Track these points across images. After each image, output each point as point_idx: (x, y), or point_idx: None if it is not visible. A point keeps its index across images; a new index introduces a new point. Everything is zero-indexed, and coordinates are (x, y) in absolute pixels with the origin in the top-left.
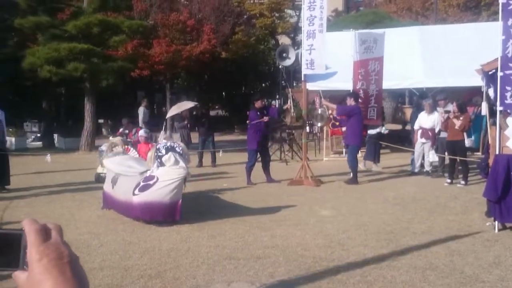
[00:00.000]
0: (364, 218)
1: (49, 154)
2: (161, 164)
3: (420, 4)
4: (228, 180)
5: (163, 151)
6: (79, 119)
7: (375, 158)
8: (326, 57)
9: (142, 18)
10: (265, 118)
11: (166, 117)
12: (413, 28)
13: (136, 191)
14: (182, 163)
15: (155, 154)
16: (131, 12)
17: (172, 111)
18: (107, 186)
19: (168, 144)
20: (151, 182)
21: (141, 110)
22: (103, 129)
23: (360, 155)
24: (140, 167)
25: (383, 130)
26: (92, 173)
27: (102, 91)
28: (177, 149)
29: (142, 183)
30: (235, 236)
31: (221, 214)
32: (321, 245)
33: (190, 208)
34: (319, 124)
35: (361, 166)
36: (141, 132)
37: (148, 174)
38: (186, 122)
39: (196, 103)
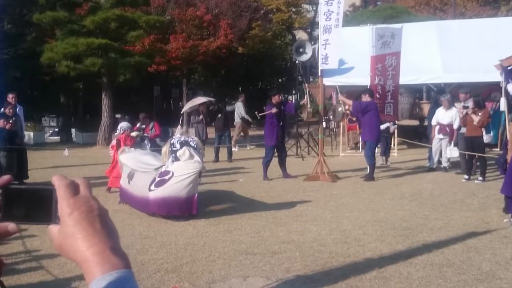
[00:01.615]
0: (380, 214)
1: (66, 149)
2: (176, 158)
3: None
4: (244, 175)
5: (178, 146)
6: (97, 113)
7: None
8: (341, 52)
9: (159, 13)
10: (274, 109)
11: (181, 112)
12: (431, 23)
13: (152, 187)
14: (197, 157)
15: (170, 149)
16: (148, 7)
17: (186, 106)
18: (123, 181)
19: (182, 138)
20: (166, 177)
21: (238, 105)
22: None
23: (376, 151)
24: (155, 163)
25: (392, 126)
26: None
27: (119, 86)
28: (191, 143)
29: (158, 179)
30: (251, 231)
31: (238, 209)
32: (337, 240)
33: (206, 203)
34: (335, 120)
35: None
36: (123, 125)
37: (163, 169)
38: (201, 117)
39: (210, 98)
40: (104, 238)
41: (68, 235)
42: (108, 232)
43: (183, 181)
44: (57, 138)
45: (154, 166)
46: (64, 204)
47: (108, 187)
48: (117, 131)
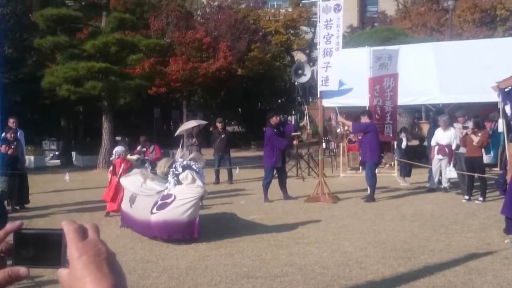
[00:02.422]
0: (382, 236)
1: (67, 173)
2: (178, 182)
3: (435, 20)
4: (245, 197)
5: (180, 169)
6: (97, 136)
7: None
8: (341, 74)
9: (159, 37)
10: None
11: (175, 135)
12: (428, 44)
13: (154, 210)
14: (199, 182)
15: (172, 172)
16: (148, 31)
17: (179, 130)
18: (125, 205)
19: (185, 162)
20: (168, 201)
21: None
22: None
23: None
24: (157, 186)
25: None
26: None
27: (119, 109)
28: (193, 167)
29: (159, 202)
30: (252, 254)
31: (239, 231)
32: (339, 263)
33: (207, 225)
34: (335, 141)
35: (401, 183)
36: (118, 149)
37: (165, 192)
38: (194, 140)
39: (201, 121)
40: (112, 281)
41: (77, 278)
42: (116, 275)
43: (185, 205)
44: (57, 161)
45: (156, 190)
46: (73, 248)
47: (106, 212)
48: (113, 155)
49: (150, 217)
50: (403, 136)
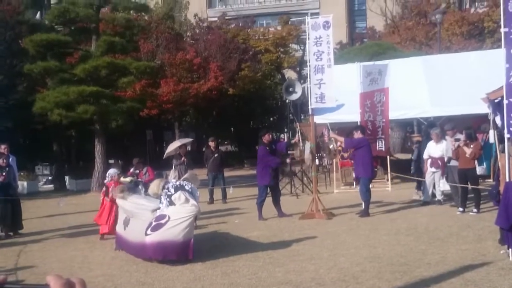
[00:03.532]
0: (377, 250)
1: (61, 199)
2: (171, 203)
3: (423, 34)
4: (239, 216)
5: (172, 190)
6: (90, 160)
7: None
8: (335, 90)
9: (149, 59)
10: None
11: (163, 158)
12: (417, 58)
13: (149, 231)
14: (192, 201)
15: (164, 193)
16: (138, 53)
17: (167, 151)
18: (119, 228)
19: (178, 183)
20: (163, 221)
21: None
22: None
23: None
24: (151, 205)
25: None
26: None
27: (112, 132)
28: (186, 187)
29: (154, 223)
30: (248, 273)
31: (234, 251)
32: (335, 279)
33: (202, 245)
34: (328, 158)
35: (415, 197)
36: (110, 172)
37: (158, 213)
38: (183, 159)
39: (186, 140)
40: None
41: None
42: None
43: (179, 225)
44: (51, 186)
45: (150, 208)
46: None
47: (100, 235)
48: (106, 178)
49: (145, 239)
50: (415, 148)
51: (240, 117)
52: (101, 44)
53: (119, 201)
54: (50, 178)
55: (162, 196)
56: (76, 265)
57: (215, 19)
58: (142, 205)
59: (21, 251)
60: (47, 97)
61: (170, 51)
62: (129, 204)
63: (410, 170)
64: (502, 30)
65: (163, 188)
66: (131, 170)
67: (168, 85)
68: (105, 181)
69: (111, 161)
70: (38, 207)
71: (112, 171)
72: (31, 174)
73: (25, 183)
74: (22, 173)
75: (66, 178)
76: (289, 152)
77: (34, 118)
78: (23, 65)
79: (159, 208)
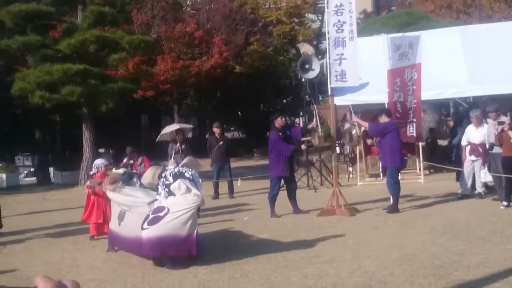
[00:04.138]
0: (408, 251)
1: (45, 194)
2: (170, 193)
3: (461, 0)
4: (249, 213)
5: (170, 179)
6: (77, 149)
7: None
8: (359, 67)
9: (144, 32)
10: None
11: (156, 141)
12: (453, 28)
13: (145, 225)
14: (195, 190)
15: (161, 182)
16: (131, 26)
17: (160, 135)
18: (113, 224)
19: (176, 170)
20: (161, 214)
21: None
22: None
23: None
24: (148, 197)
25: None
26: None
27: (101, 116)
28: (186, 174)
29: (151, 216)
30: (259, 278)
31: (243, 252)
32: (360, 284)
33: (207, 247)
34: (350, 145)
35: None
36: (97, 162)
37: (156, 205)
38: (178, 146)
39: (186, 125)
40: None
41: None
42: None
43: (180, 217)
44: (33, 179)
45: (147, 201)
46: None
47: (91, 236)
48: (93, 169)
49: (141, 234)
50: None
51: (248, 99)
52: (88, 15)
53: (110, 195)
54: (32, 169)
55: (159, 187)
56: (64, 268)
57: None
58: (138, 198)
59: (0, 253)
60: (27, 77)
61: (167, 22)
62: (122, 197)
63: (447, 158)
64: None
65: (160, 177)
66: (124, 160)
67: (165, 63)
68: (91, 173)
69: (101, 150)
70: (19, 202)
71: (99, 161)
72: (11, 165)
73: (4, 176)
74: (0, 164)
75: (50, 169)
76: (302, 139)
77: (13, 101)
78: None
79: (156, 200)
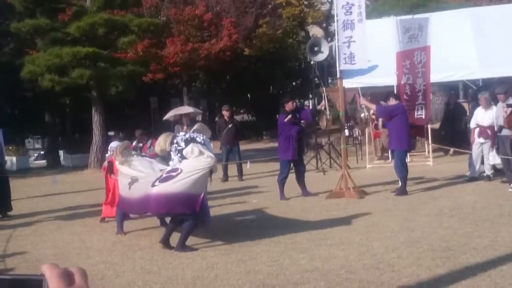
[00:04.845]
0: (416, 234)
1: (55, 177)
2: (183, 158)
3: None
4: (258, 195)
5: (183, 144)
6: (87, 132)
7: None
8: (368, 50)
9: (153, 15)
10: (303, 122)
11: (163, 119)
12: (463, 10)
13: (157, 183)
14: (208, 153)
15: (174, 147)
16: (140, 9)
17: (169, 114)
18: (123, 190)
19: (187, 135)
20: (174, 174)
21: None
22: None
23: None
24: (159, 166)
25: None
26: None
27: (111, 99)
28: (197, 139)
29: (164, 175)
30: (268, 260)
31: (251, 234)
32: (368, 266)
33: (215, 229)
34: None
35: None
36: (113, 145)
37: (171, 167)
38: (185, 128)
39: (197, 110)
40: None
41: None
42: None
43: (191, 177)
44: (43, 162)
45: (159, 168)
46: None
47: (101, 218)
48: (108, 152)
49: (151, 190)
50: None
51: (257, 81)
52: None
53: (120, 167)
54: (42, 152)
55: (172, 153)
56: (73, 251)
57: None
58: (149, 168)
59: (10, 236)
60: (37, 60)
61: (176, 5)
62: (131, 170)
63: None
64: None
65: (172, 143)
66: (134, 143)
67: (174, 45)
68: (107, 155)
69: (111, 133)
70: (29, 185)
71: (114, 144)
72: (21, 148)
73: (14, 159)
74: (10, 147)
75: (60, 152)
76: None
77: (22, 84)
78: (9, 24)
79: (168, 166)
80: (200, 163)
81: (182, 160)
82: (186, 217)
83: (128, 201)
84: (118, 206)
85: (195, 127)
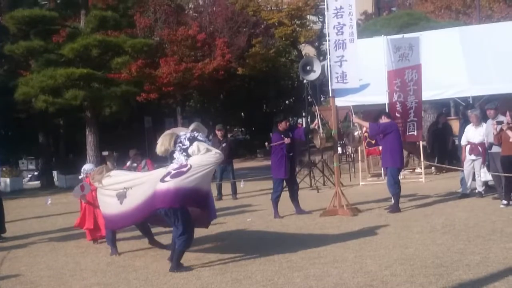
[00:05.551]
0: (409, 251)
1: (49, 198)
2: (188, 156)
3: (460, 1)
4: (252, 213)
5: (187, 143)
6: (81, 152)
7: None
8: (360, 69)
9: (147, 35)
10: (287, 140)
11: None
12: (453, 29)
13: (167, 178)
14: (215, 149)
15: (178, 147)
16: (133, 30)
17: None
18: (111, 208)
19: (189, 134)
20: (184, 169)
21: None
22: (108, 163)
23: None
24: (154, 172)
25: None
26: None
27: (105, 119)
28: (200, 137)
29: (173, 172)
30: (263, 279)
31: (246, 253)
32: (361, 284)
33: (209, 248)
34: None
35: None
36: (86, 167)
37: (177, 165)
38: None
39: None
40: None
41: None
42: None
43: (201, 173)
44: (37, 183)
45: (157, 172)
46: None
47: (92, 240)
48: (81, 175)
49: (161, 186)
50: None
51: (251, 100)
52: (91, 20)
53: (103, 183)
54: (36, 173)
55: (177, 152)
56: (68, 272)
57: None
58: (143, 174)
59: (4, 258)
60: (31, 81)
61: (170, 26)
62: (119, 179)
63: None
64: None
65: (175, 143)
66: (128, 163)
67: (168, 65)
68: (80, 177)
69: (105, 153)
70: (23, 207)
71: (87, 166)
72: (15, 169)
73: (7, 180)
74: (4, 169)
75: (54, 173)
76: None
77: (16, 106)
78: (3, 45)
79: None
80: (210, 159)
81: (188, 158)
82: (178, 227)
83: (121, 217)
84: (106, 227)
85: (193, 126)
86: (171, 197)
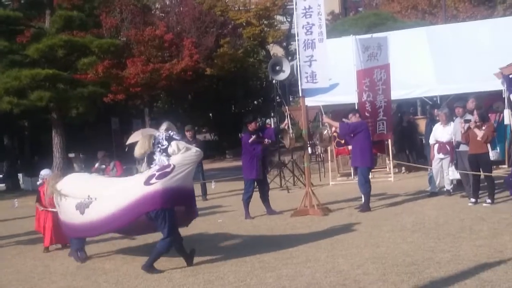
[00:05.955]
0: (380, 249)
1: (16, 200)
2: (168, 155)
3: (426, 1)
4: (223, 214)
5: (165, 143)
6: (47, 154)
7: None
8: (329, 68)
9: (113, 36)
10: (266, 141)
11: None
12: (420, 29)
13: (153, 180)
14: (194, 147)
15: (158, 147)
16: (99, 30)
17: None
18: (70, 217)
19: (165, 134)
20: (168, 170)
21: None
22: (75, 165)
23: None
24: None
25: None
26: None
27: (71, 121)
28: (175, 136)
29: (157, 173)
30: (235, 280)
31: (218, 255)
32: (334, 283)
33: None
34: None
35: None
36: (43, 173)
37: (158, 166)
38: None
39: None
40: None
41: None
42: None
43: (185, 171)
44: (2, 185)
45: (130, 177)
46: None
47: (45, 248)
48: (39, 180)
49: (147, 190)
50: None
51: (219, 101)
52: (56, 20)
53: (61, 190)
54: (0, 176)
55: (157, 153)
56: (37, 276)
57: None
58: (113, 180)
59: None
60: None
61: (136, 26)
62: (80, 186)
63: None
64: None
65: (154, 144)
66: (96, 165)
67: (135, 66)
68: (38, 183)
69: (71, 155)
70: None
71: (44, 172)
72: None
73: None
74: None
75: (20, 175)
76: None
77: None
78: None
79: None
80: (191, 157)
81: (169, 157)
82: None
83: (85, 227)
84: (69, 235)
85: (165, 125)
86: (161, 198)
